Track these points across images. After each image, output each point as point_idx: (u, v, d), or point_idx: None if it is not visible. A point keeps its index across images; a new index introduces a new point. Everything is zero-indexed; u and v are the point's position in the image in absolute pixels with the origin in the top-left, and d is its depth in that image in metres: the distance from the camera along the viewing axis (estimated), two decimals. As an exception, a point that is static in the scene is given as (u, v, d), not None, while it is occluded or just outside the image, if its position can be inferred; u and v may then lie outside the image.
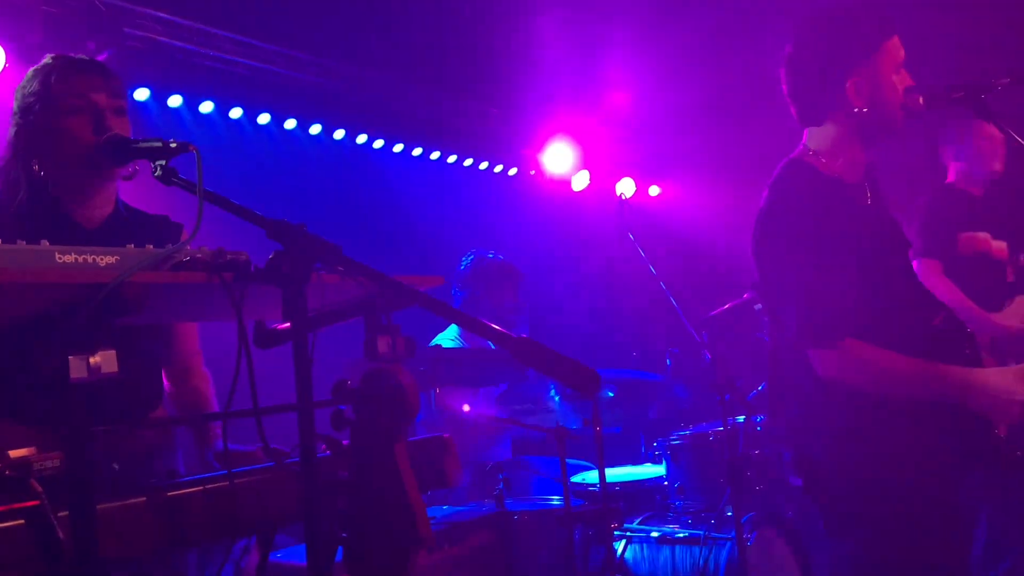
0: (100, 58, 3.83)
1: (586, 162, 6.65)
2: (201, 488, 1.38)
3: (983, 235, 4.04)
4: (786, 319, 2.15)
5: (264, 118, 4.96)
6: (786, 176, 2.30)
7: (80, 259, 1.27)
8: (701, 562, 3.56)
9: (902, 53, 2.26)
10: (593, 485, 3.94)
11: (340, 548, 1.24)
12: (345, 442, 1.19)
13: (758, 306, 3.40)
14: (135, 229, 2.16)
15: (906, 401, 2.13)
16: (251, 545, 1.64)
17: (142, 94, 4.35)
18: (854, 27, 2.24)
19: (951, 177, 4.33)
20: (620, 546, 3.78)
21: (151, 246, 1.38)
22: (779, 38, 2.54)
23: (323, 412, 1.34)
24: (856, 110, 2.23)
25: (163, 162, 1.62)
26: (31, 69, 2.08)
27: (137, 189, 2.22)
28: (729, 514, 3.57)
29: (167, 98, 4.51)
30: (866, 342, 2.09)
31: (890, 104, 2.24)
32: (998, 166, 4.23)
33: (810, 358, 2.12)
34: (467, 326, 1.28)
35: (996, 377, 2.08)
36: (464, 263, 4.50)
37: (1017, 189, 4.26)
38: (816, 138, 2.32)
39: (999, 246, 4.06)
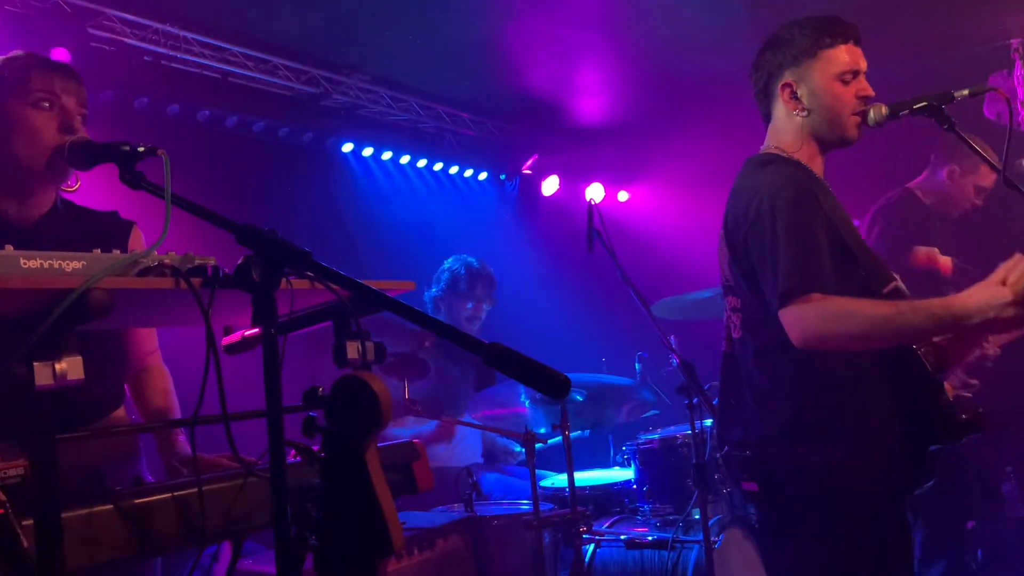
0: (64, 59, 3.78)
1: (556, 167, 6.70)
2: (170, 495, 1.37)
3: (935, 250, 4.03)
4: (770, 286, 2.13)
5: (233, 121, 4.92)
6: (756, 163, 2.35)
7: (46, 264, 1.25)
8: (669, 565, 3.59)
9: (848, 63, 2.30)
10: (562, 489, 3.96)
11: (309, 554, 1.24)
12: (316, 448, 1.19)
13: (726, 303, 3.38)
14: (75, 227, 2.10)
15: (875, 384, 2.15)
16: (220, 552, 1.63)
17: (107, 96, 4.29)
18: (797, 32, 2.33)
19: (917, 183, 4.29)
20: (589, 550, 3.79)
21: (118, 251, 1.37)
22: (745, 46, 2.59)
23: (291, 419, 1.33)
24: (795, 113, 2.33)
25: (130, 166, 1.60)
26: (12, 55, 2.02)
27: (102, 192, 2.20)
28: (697, 517, 3.60)
29: (133, 100, 4.46)
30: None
31: (831, 111, 2.30)
32: (980, 201, 4.21)
33: (789, 323, 2.08)
34: (435, 331, 1.28)
35: (976, 293, 2.06)
36: (446, 265, 4.55)
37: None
38: (773, 137, 2.40)
39: (945, 261, 4.06)
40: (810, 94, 2.31)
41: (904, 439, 2.18)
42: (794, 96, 2.33)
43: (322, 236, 5.04)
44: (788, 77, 2.33)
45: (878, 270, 2.27)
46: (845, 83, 2.30)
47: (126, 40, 4.15)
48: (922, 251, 4.01)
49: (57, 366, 1.21)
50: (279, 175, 5.17)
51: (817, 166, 2.36)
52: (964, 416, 2.15)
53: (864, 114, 2.30)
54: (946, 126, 2.30)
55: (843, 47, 2.31)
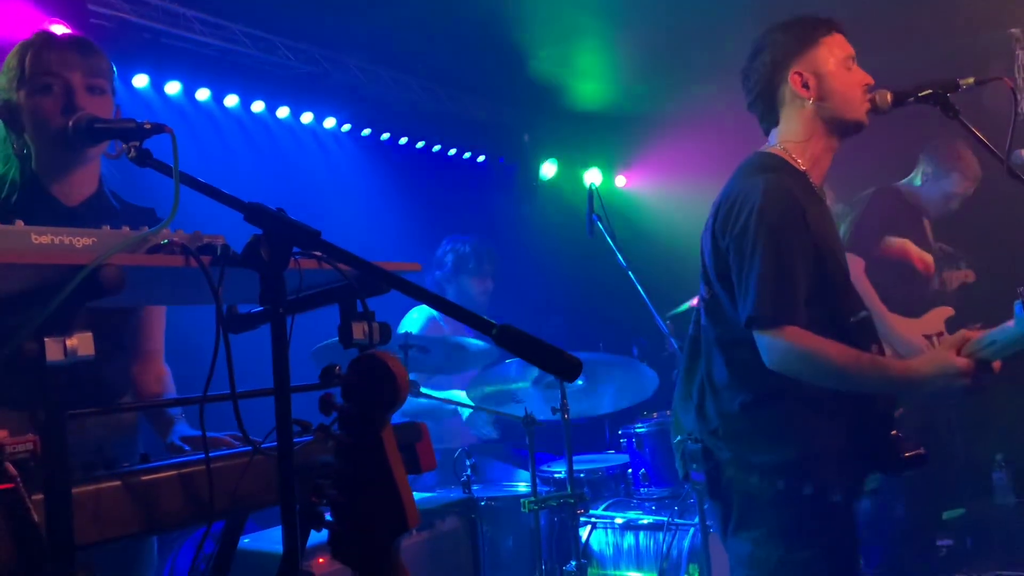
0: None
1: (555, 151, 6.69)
2: (177, 472, 1.37)
3: (906, 241, 4.12)
4: (740, 305, 2.17)
5: (232, 100, 4.90)
6: (755, 165, 2.34)
7: (57, 240, 1.25)
8: (664, 548, 3.62)
9: (847, 50, 2.34)
10: (559, 472, 3.98)
11: (314, 532, 1.24)
12: (325, 424, 1.19)
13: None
14: (117, 214, 2.12)
15: (828, 398, 2.18)
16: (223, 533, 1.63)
17: (107, 73, 4.27)
18: (793, 26, 2.37)
19: (903, 182, 4.39)
20: (585, 532, 3.82)
21: (127, 228, 1.37)
22: (749, 30, 2.58)
23: (298, 397, 1.34)
24: (808, 102, 2.32)
25: (137, 143, 1.60)
26: (17, 44, 2.03)
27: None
28: (692, 501, 3.63)
29: (132, 78, 4.44)
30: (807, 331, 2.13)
31: (841, 95, 2.31)
32: (955, 206, 4.34)
33: (761, 347, 2.14)
34: (447, 312, 1.29)
35: (928, 361, 2.11)
36: (446, 247, 4.54)
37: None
38: (782, 133, 2.38)
39: (923, 256, 4.14)
40: (821, 80, 2.31)
41: (845, 461, 2.20)
42: (805, 85, 2.31)
43: (321, 216, 5.02)
44: (796, 67, 2.33)
45: (850, 299, 2.29)
46: (849, 68, 2.33)
47: (126, 17, 4.13)
48: (895, 241, 4.08)
49: (68, 342, 1.21)
50: (278, 155, 5.15)
51: (822, 167, 2.36)
52: (906, 454, 2.18)
53: (871, 100, 2.31)
54: (951, 114, 2.30)
55: (838, 35, 2.35)
